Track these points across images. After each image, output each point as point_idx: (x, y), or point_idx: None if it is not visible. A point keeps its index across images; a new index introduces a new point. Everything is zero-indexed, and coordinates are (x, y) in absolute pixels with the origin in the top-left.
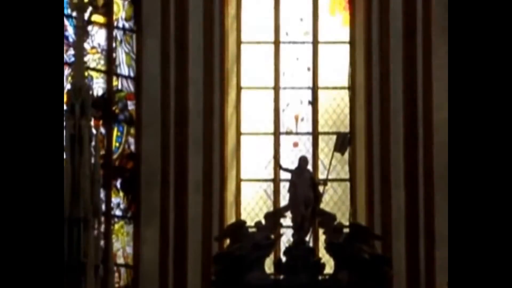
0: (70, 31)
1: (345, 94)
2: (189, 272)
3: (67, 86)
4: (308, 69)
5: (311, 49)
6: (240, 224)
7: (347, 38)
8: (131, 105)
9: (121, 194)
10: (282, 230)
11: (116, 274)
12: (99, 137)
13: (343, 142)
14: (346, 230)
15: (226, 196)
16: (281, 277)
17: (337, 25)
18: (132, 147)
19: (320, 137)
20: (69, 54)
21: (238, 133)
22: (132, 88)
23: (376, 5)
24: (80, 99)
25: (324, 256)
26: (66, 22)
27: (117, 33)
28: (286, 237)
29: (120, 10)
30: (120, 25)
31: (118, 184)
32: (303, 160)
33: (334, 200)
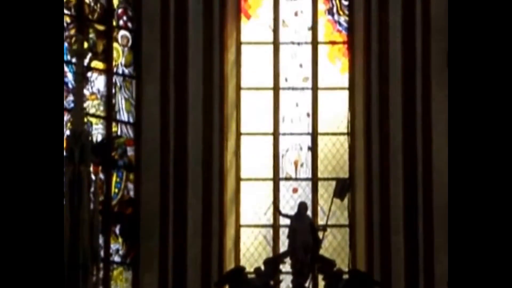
0: (69, 77)
1: (344, 140)
2: None
3: (67, 132)
4: (308, 114)
5: (310, 95)
6: (239, 270)
7: (346, 84)
8: (130, 151)
9: (120, 240)
10: (281, 276)
11: None
12: (98, 183)
13: (342, 188)
14: (345, 276)
15: (225, 241)
16: None
17: (336, 71)
18: (131, 193)
19: (320, 183)
20: (68, 100)
21: (238, 179)
22: (131, 134)
23: (375, 51)
24: (79, 145)
25: None
26: (65, 68)
27: (117, 79)
28: (286, 283)
29: (120, 56)
30: (120, 71)
31: (117, 230)
32: (302, 206)
33: (334, 246)
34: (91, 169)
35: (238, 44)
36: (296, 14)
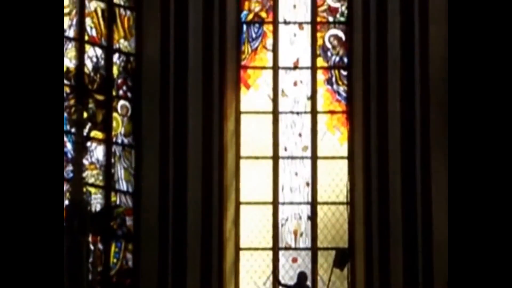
0: (69, 147)
1: (344, 210)
2: None
3: (66, 202)
4: (307, 184)
5: (310, 164)
6: None
7: (345, 153)
8: (129, 221)
9: None
10: None
11: None
12: (97, 253)
13: (342, 258)
14: None
15: None
16: None
17: (335, 140)
18: (130, 263)
19: (319, 253)
20: (67, 170)
21: (237, 249)
22: (130, 203)
23: (374, 121)
24: (78, 215)
25: None
26: (65, 138)
27: (116, 149)
28: None
29: (119, 126)
30: (119, 140)
31: None
32: (302, 276)
33: None
34: (90, 239)
35: (238, 113)
36: (295, 84)
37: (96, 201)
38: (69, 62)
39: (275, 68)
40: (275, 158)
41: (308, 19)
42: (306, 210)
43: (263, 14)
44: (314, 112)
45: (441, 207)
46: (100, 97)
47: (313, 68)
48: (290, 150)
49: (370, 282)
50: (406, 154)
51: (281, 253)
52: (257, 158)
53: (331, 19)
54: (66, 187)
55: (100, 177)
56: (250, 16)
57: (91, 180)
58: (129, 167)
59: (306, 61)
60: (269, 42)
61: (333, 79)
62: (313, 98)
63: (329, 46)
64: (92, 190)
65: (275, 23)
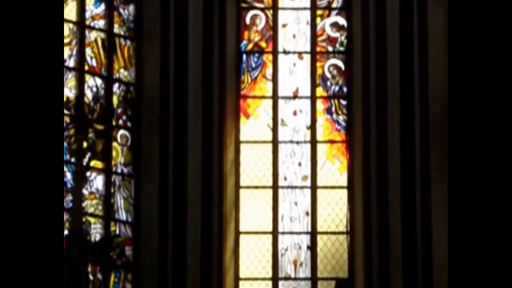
0: (68, 177)
1: (344, 239)
2: None
3: (65, 232)
4: (307, 213)
5: (309, 194)
6: None
7: (345, 183)
8: (128, 251)
9: None
10: None
11: None
12: (96, 284)
13: None
14: None
15: None
16: None
17: (335, 169)
18: None
19: (319, 283)
20: (67, 200)
21: (236, 279)
22: (130, 233)
23: (374, 150)
24: (77, 245)
25: None
26: (64, 168)
27: (116, 178)
28: None
29: (119, 156)
30: (119, 170)
31: None
32: None
33: None
34: (89, 269)
35: (237, 143)
36: (295, 113)
37: (96, 231)
38: (69, 92)
39: (275, 97)
40: (275, 187)
41: (308, 49)
42: (306, 240)
43: (263, 44)
44: (313, 142)
45: (441, 237)
46: (99, 127)
47: (313, 98)
48: (290, 180)
49: None
50: (406, 183)
51: (281, 283)
52: (256, 187)
53: (330, 49)
54: (65, 217)
55: (100, 207)
56: (250, 46)
57: (91, 210)
58: (128, 196)
59: (305, 90)
60: (268, 71)
61: (333, 109)
62: (312, 127)
63: (328, 75)
64: (92, 220)
65: (275, 52)
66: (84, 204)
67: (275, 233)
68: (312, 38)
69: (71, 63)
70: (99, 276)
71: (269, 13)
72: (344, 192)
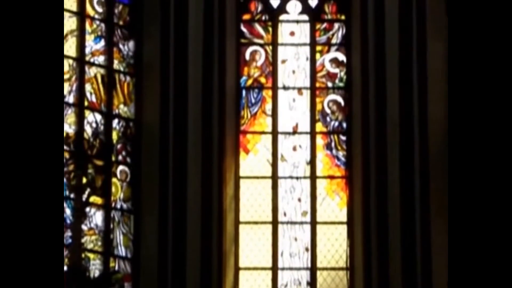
0: (67, 213)
1: (343, 275)
2: None
3: (64, 267)
4: (307, 249)
5: (309, 230)
6: None
7: (345, 218)
8: (128, 287)
9: None
10: None
11: None
12: None
13: None
14: None
15: None
16: None
17: (335, 205)
18: None
19: None
20: (66, 236)
21: None
22: (129, 269)
23: (374, 186)
24: (77, 281)
25: None
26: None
27: (115, 214)
28: None
29: (119, 191)
30: (118, 206)
31: None
32: None
33: None
34: None
35: (237, 178)
36: (294, 148)
37: (95, 267)
38: (68, 127)
39: (274, 133)
40: (275, 223)
41: (307, 84)
42: (305, 275)
43: (262, 80)
44: (313, 177)
45: (441, 271)
46: (99, 163)
47: (312, 133)
48: (290, 215)
49: None
50: (406, 220)
51: None
52: (256, 223)
53: (330, 84)
54: (65, 252)
55: (99, 243)
56: (250, 82)
57: (90, 246)
58: (128, 232)
59: (305, 126)
60: (268, 107)
61: (332, 144)
62: (312, 163)
63: (328, 111)
64: (91, 255)
65: (274, 88)
66: (83, 240)
67: (274, 269)
68: (312, 73)
69: (70, 99)
70: None
71: (269, 49)
72: (344, 227)
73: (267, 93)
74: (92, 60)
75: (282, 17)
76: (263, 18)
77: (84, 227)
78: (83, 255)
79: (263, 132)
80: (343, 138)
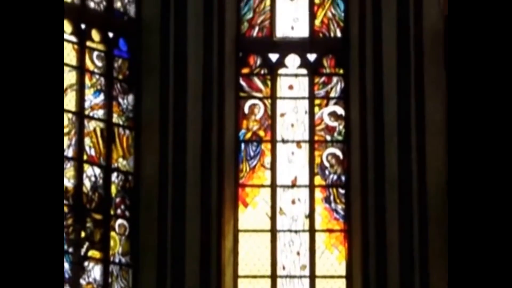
0: (66, 267)
1: None
2: None
3: None
4: None
5: (308, 283)
6: None
7: (343, 272)
8: None
9: None
10: None
11: None
12: None
13: None
14: None
15: None
16: None
17: (333, 259)
18: None
19: None
20: None
21: None
22: None
23: (373, 240)
24: None
25: None
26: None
27: (114, 268)
28: None
29: (117, 245)
30: (117, 260)
31: None
32: None
33: None
34: None
35: (236, 231)
36: (293, 202)
37: None
38: (67, 181)
39: (273, 186)
40: (273, 277)
41: (306, 137)
42: None
43: (261, 133)
44: (312, 231)
45: None
46: (98, 217)
47: (311, 187)
48: (288, 269)
49: None
50: (405, 274)
51: None
52: (255, 277)
53: (328, 138)
54: None
55: None
56: (248, 135)
57: None
58: (126, 286)
59: (304, 179)
60: (267, 160)
61: (331, 198)
62: (311, 216)
63: (327, 164)
64: None
65: (273, 141)
66: None
67: None
68: (310, 127)
69: (70, 152)
70: None
71: (268, 102)
72: (343, 281)
73: (266, 146)
74: (91, 114)
75: (281, 71)
76: (262, 72)
77: (82, 282)
78: None
79: (262, 186)
80: (342, 191)
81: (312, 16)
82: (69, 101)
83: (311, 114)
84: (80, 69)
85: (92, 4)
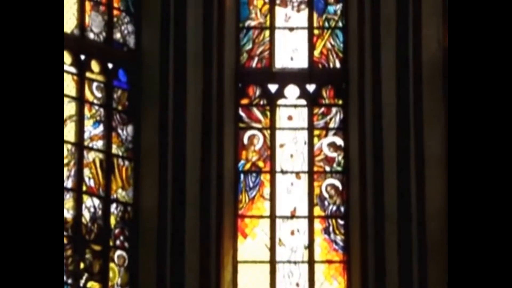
0: None
1: None
2: None
3: None
4: None
5: None
6: None
7: None
8: None
9: None
10: None
11: None
12: None
13: None
14: None
15: None
16: None
17: None
18: None
19: None
20: None
21: None
22: None
23: (372, 271)
24: None
25: None
26: None
27: None
28: None
29: (116, 276)
30: None
31: None
32: None
33: None
34: None
35: (235, 263)
36: (292, 233)
37: None
38: (66, 212)
39: (272, 217)
40: None
41: (305, 168)
42: None
43: (261, 164)
44: (311, 262)
45: None
46: (97, 248)
47: (310, 218)
48: None
49: None
50: (404, 276)
51: None
52: None
53: (328, 168)
54: None
55: None
56: (248, 166)
57: None
58: None
59: (303, 210)
60: (266, 191)
61: (330, 229)
62: (310, 247)
63: (326, 195)
64: None
65: (273, 172)
66: None
67: None
68: (310, 158)
69: (69, 183)
70: None
71: (267, 133)
72: None
73: (265, 177)
74: (90, 145)
75: (280, 101)
76: (261, 102)
77: None
78: None
79: (261, 216)
80: (341, 222)
81: (311, 47)
82: (69, 132)
83: (310, 144)
84: (80, 100)
85: (91, 35)
